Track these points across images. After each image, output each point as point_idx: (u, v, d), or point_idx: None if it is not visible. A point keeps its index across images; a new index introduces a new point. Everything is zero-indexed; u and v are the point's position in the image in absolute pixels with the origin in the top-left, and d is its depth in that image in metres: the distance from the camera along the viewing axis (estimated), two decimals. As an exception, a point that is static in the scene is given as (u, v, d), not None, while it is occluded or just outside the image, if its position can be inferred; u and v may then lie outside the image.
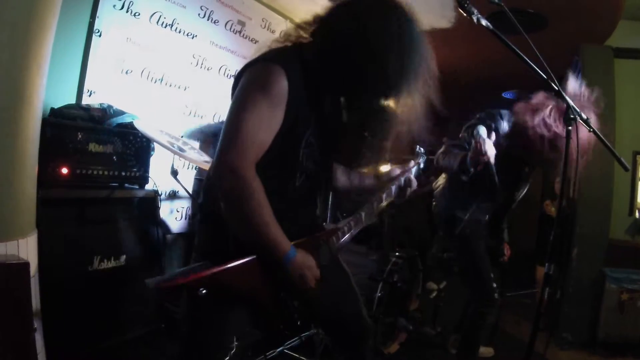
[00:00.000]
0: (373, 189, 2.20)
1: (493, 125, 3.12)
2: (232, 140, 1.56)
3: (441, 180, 3.76)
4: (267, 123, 1.60)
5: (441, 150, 3.21)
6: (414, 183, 2.28)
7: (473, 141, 2.85)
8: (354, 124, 1.87)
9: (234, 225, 1.61)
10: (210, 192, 1.81)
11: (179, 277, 1.52)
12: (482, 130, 2.98)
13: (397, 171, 2.29)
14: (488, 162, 2.80)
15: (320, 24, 1.81)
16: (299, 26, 1.88)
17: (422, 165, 2.47)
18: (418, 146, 2.49)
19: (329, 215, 4.06)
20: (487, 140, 2.79)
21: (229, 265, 1.58)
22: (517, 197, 3.55)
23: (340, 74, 1.71)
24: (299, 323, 1.83)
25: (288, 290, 1.76)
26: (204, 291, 1.51)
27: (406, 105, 1.82)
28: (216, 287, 1.55)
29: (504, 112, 3.21)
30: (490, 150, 2.77)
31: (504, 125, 3.17)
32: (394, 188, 2.21)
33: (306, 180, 1.84)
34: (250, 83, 1.65)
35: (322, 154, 1.87)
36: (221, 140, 1.59)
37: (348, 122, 1.86)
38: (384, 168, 2.32)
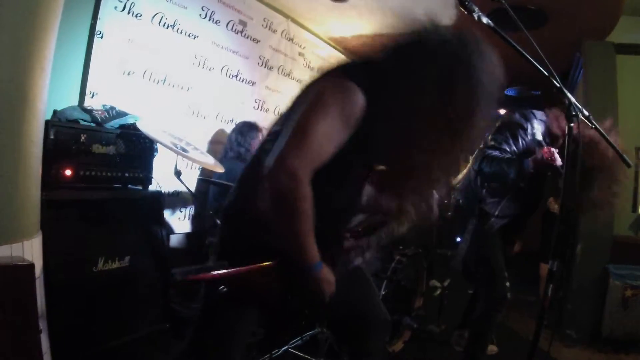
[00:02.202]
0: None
1: (530, 126, 3.12)
2: (299, 145, 1.56)
3: (460, 175, 3.73)
4: (336, 138, 1.61)
5: (479, 156, 3.16)
6: (436, 212, 2.29)
7: (539, 149, 2.86)
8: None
9: (275, 225, 1.61)
10: (243, 191, 1.84)
11: (204, 273, 1.56)
12: (540, 135, 2.98)
13: None
14: (555, 165, 2.81)
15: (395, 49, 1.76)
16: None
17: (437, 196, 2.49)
18: None
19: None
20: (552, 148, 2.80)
21: (252, 267, 1.63)
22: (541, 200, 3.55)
23: (405, 103, 1.65)
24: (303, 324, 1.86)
25: (302, 298, 1.79)
26: (225, 289, 1.56)
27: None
28: (236, 286, 1.61)
29: (536, 112, 3.19)
30: (557, 156, 2.77)
31: (538, 126, 3.15)
32: (414, 213, 2.23)
33: (344, 198, 1.86)
34: (330, 94, 1.64)
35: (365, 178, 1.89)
36: (287, 141, 1.59)
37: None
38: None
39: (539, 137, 3.03)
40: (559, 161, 2.78)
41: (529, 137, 3.10)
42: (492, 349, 4.13)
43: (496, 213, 3.31)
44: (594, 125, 2.00)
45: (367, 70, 1.72)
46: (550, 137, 3.10)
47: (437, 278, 4.94)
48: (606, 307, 4.52)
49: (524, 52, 1.77)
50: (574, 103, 1.82)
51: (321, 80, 1.75)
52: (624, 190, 2.94)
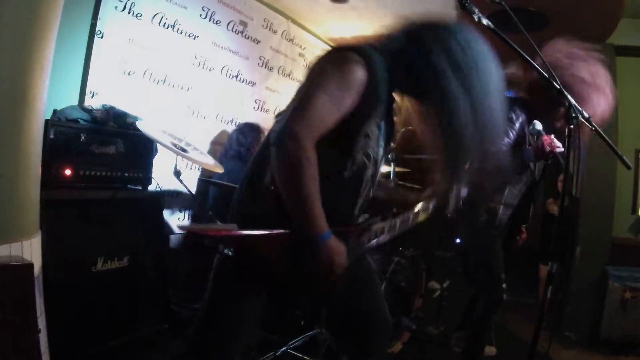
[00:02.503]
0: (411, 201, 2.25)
1: (515, 116, 3.11)
2: (301, 112, 1.61)
3: None
4: (338, 105, 1.65)
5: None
6: (452, 205, 2.30)
7: (538, 138, 2.86)
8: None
9: (282, 190, 1.63)
10: (259, 162, 1.85)
11: (209, 229, 1.56)
12: (539, 125, 2.98)
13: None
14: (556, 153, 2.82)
15: (403, 32, 1.86)
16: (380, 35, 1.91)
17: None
18: None
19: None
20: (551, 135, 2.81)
21: (261, 232, 1.61)
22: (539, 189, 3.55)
23: (415, 74, 1.76)
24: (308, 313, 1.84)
25: (311, 275, 1.75)
26: (230, 252, 1.57)
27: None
28: (244, 250, 1.60)
29: (509, 95, 3.18)
30: (558, 142, 2.78)
31: (519, 113, 3.14)
32: (431, 205, 2.24)
33: (356, 171, 1.85)
34: (329, 64, 1.72)
35: (378, 148, 1.90)
36: (291, 111, 1.65)
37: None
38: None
39: (539, 127, 3.02)
40: (560, 148, 2.78)
41: (517, 124, 3.10)
42: (492, 350, 4.13)
43: (502, 201, 3.30)
44: (594, 127, 2.01)
45: (371, 46, 1.80)
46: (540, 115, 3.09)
47: (436, 279, 4.94)
48: (605, 309, 4.52)
49: (524, 54, 1.77)
50: (574, 105, 1.82)
51: (324, 55, 1.81)
52: None
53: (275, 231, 1.63)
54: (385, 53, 1.80)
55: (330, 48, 1.82)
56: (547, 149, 2.81)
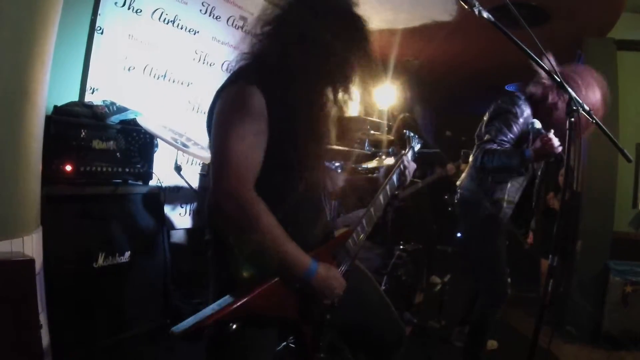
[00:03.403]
0: (374, 183, 2.20)
1: (520, 111, 3.10)
2: (225, 165, 1.52)
3: (463, 174, 3.71)
4: (255, 140, 1.57)
5: (479, 152, 3.12)
6: (412, 166, 2.27)
7: (539, 137, 2.84)
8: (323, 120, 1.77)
9: (247, 251, 1.55)
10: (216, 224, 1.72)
11: (207, 317, 1.42)
12: (538, 123, 2.97)
13: (393, 160, 2.27)
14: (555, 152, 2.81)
15: (272, 26, 1.77)
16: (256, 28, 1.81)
17: (416, 149, 2.47)
18: (407, 131, 2.49)
19: (335, 216, 4.06)
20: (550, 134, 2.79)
21: (255, 293, 1.51)
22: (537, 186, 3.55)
23: (299, 75, 1.66)
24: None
25: (318, 305, 1.71)
26: (234, 326, 1.46)
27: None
28: (246, 317, 1.51)
29: (519, 94, 3.17)
30: (557, 141, 2.76)
31: (526, 109, 3.13)
32: (395, 177, 2.18)
33: (307, 185, 1.76)
34: (228, 106, 1.63)
35: (312, 156, 1.76)
36: (213, 170, 1.56)
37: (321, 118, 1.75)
38: (383, 161, 2.29)
39: (538, 125, 3.01)
40: (559, 148, 2.77)
41: (521, 119, 3.09)
42: (493, 344, 4.14)
43: (505, 197, 3.30)
44: (594, 120, 2.00)
45: (254, 65, 1.72)
46: (545, 110, 3.07)
47: (438, 274, 4.95)
48: (606, 303, 4.51)
49: (525, 48, 1.77)
50: (575, 98, 1.82)
51: (217, 98, 1.70)
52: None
53: (266, 284, 1.55)
54: (269, 59, 1.70)
55: (223, 84, 1.72)
56: (547, 149, 2.80)
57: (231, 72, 1.76)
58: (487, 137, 3.15)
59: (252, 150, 1.56)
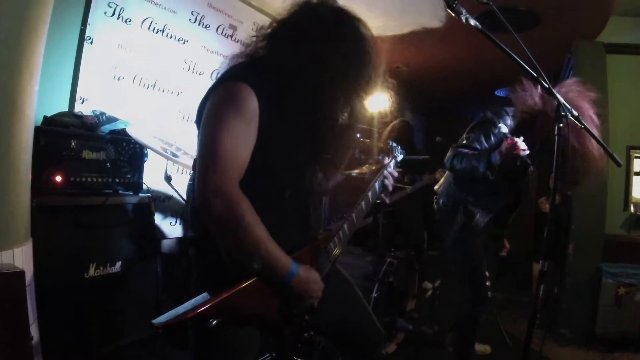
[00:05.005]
0: (356, 191, 2.20)
1: (501, 122, 3.13)
2: (212, 162, 1.52)
3: (442, 179, 3.76)
4: (244, 139, 1.57)
5: (451, 154, 3.20)
6: (394, 175, 2.29)
7: (504, 141, 2.85)
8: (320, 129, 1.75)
9: (229, 250, 1.57)
10: (200, 222, 1.68)
11: (187, 312, 1.42)
12: (505, 128, 3.00)
13: (375, 168, 2.30)
14: (521, 156, 2.82)
15: (272, 35, 1.79)
16: (256, 36, 1.82)
17: (399, 158, 2.50)
18: (390, 142, 2.51)
19: (322, 222, 4.06)
20: (516, 138, 2.80)
21: (235, 289, 1.52)
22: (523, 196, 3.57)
23: (296, 84, 1.67)
24: (310, 336, 1.81)
25: (296, 306, 1.72)
26: (214, 322, 1.46)
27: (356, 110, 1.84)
28: (226, 314, 1.50)
29: (508, 108, 3.19)
30: (524, 145, 2.77)
31: (510, 122, 3.16)
32: (377, 185, 2.19)
33: (295, 190, 1.78)
34: (221, 102, 1.62)
35: (302, 163, 1.78)
36: (200, 164, 1.56)
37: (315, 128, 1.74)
38: (362, 169, 2.30)
39: (505, 130, 3.05)
40: (524, 151, 2.78)
41: (500, 132, 3.12)
42: (486, 349, 4.15)
43: (479, 204, 3.33)
44: (583, 125, 2.02)
45: (251, 66, 1.74)
46: (530, 116, 3.08)
47: (428, 279, 4.96)
48: (599, 305, 4.54)
49: (512, 54, 1.78)
50: (563, 104, 1.83)
51: (210, 93, 1.69)
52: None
53: (246, 282, 1.56)
54: (266, 64, 1.72)
55: (216, 82, 1.71)
56: (511, 151, 2.81)
57: (229, 69, 1.77)
58: (463, 142, 3.20)
59: (240, 148, 1.57)
